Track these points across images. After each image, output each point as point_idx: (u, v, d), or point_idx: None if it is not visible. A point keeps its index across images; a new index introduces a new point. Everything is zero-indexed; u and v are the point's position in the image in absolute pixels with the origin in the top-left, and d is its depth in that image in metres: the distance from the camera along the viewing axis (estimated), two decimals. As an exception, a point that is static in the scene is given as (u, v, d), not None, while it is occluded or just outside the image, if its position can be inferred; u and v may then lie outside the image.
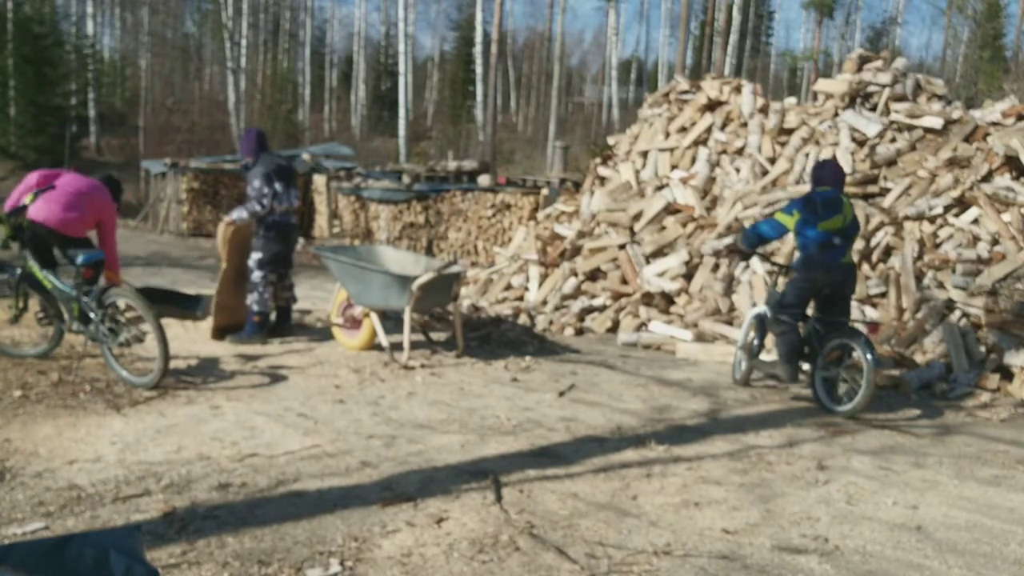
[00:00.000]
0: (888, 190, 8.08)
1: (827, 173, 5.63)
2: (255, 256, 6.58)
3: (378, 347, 6.47)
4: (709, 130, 9.82)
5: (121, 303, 5.45)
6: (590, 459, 4.27)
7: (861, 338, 5.33)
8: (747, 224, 5.89)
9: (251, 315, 6.61)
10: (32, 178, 5.67)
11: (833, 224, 5.45)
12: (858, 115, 8.77)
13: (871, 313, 7.05)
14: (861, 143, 8.58)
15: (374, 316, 6.32)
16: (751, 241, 5.84)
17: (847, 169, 8.23)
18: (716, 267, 8.16)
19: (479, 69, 34.76)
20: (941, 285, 6.92)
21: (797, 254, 5.72)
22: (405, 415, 4.93)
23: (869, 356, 5.18)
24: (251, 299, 6.60)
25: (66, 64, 31.60)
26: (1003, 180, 7.49)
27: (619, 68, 44.58)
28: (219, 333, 6.62)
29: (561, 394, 5.62)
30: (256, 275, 6.58)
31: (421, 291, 6.13)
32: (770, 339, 6.05)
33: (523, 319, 8.46)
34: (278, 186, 6.52)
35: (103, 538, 1.93)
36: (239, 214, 6.53)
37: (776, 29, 53.70)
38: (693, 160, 9.74)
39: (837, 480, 4.14)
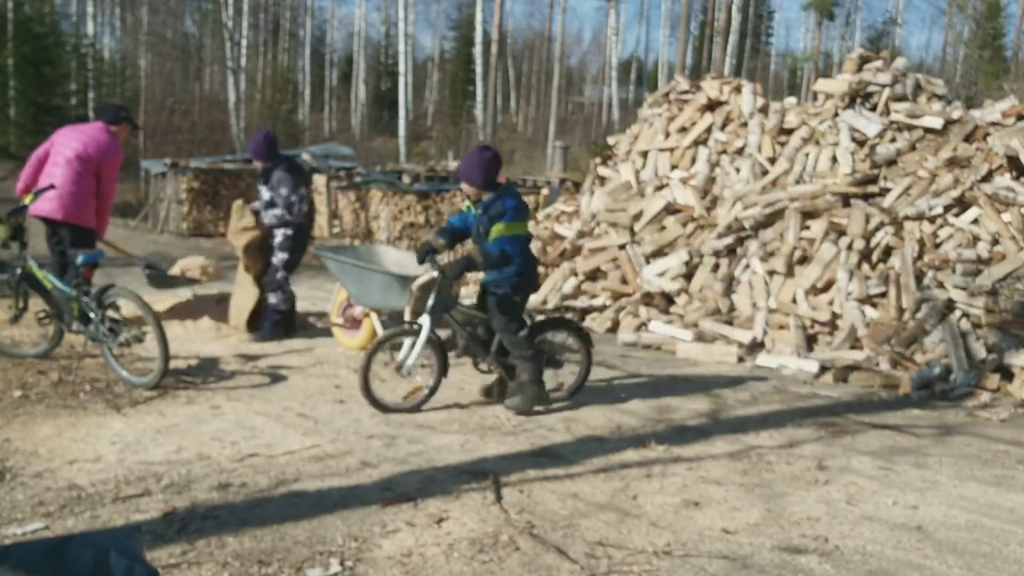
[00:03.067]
0: (888, 190, 8.07)
1: (495, 168, 4.96)
2: (281, 256, 6.71)
3: (378, 347, 6.46)
4: (709, 130, 9.82)
5: (121, 303, 5.45)
6: (590, 459, 4.27)
7: (572, 325, 5.70)
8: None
9: (272, 313, 6.73)
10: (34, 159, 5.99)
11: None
12: (858, 115, 8.77)
13: (871, 313, 7.05)
14: (861, 143, 8.58)
15: (374, 316, 6.32)
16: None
17: (847, 169, 8.24)
18: (716, 267, 8.16)
19: (479, 69, 34.76)
20: (941, 285, 6.92)
21: (510, 260, 4.91)
22: (405, 415, 4.93)
23: (583, 343, 5.46)
24: (277, 298, 6.72)
25: (66, 64, 31.53)
26: (1003, 180, 7.49)
27: (619, 68, 44.60)
28: (249, 327, 6.79)
29: (561, 394, 5.61)
30: (281, 275, 6.73)
31: (421, 291, 6.12)
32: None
33: (523, 319, 8.45)
34: (303, 191, 6.70)
35: (103, 538, 1.92)
36: (269, 221, 6.64)
37: (776, 29, 53.77)
38: (693, 160, 9.74)
39: (837, 480, 4.14)
